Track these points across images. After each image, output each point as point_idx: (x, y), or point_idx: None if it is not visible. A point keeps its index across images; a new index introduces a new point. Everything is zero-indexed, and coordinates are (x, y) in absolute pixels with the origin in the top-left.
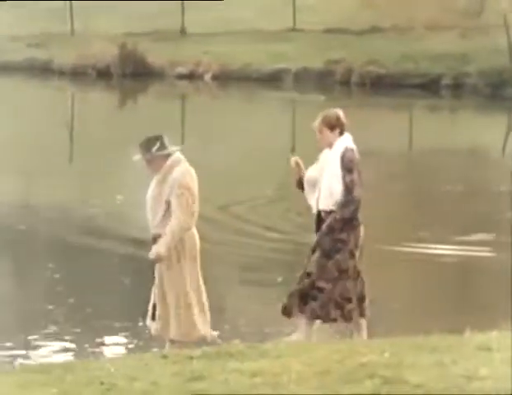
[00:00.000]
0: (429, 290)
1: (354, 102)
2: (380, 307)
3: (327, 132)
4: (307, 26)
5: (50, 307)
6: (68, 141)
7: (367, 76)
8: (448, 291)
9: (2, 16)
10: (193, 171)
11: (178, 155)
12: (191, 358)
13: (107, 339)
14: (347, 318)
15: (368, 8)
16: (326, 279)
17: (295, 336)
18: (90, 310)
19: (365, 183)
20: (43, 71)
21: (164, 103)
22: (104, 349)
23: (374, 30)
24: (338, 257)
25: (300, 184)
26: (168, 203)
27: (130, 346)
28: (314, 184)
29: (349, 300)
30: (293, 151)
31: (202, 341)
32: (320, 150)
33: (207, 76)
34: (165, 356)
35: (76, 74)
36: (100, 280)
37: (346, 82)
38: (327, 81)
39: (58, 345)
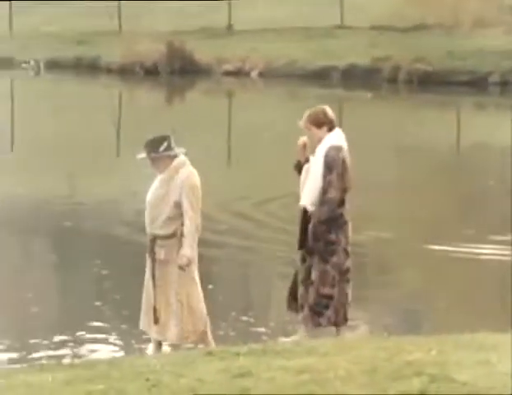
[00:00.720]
0: (475, 288)
1: (401, 99)
2: (427, 305)
3: (314, 129)
4: (354, 23)
5: (97, 303)
6: (115, 137)
7: (414, 74)
8: (494, 290)
9: (51, 13)
10: (196, 173)
11: (182, 157)
12: (237, 355)
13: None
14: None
15: (414, 5)
16: (330, 284)
17: (297, 336)
18: (137, 306)
19: (411, 180)
20: (90, 68)
21: (211, 100)
22: (151, 345)
23: (421, 27)
24: (335, 259)
25: (299, 167)
26: (177, 204)
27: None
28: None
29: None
30: None
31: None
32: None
33: (254, 73)
34: (210, 353)
35: (124, 72)
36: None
37: (393, 80)
38: (374, 79)
39: (104, 341)
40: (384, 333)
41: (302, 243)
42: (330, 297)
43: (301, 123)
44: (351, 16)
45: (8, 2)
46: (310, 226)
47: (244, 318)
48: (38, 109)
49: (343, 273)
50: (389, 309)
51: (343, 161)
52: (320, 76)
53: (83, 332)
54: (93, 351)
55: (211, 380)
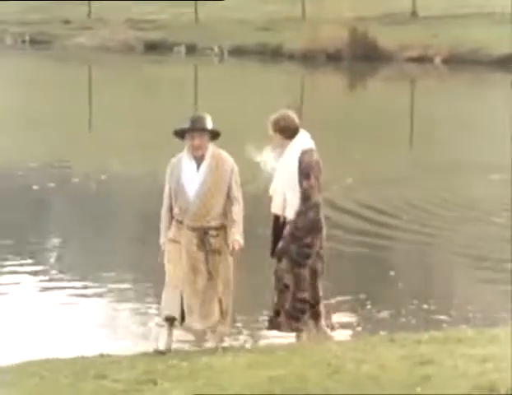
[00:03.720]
0: None
1: None
2: None
3: (279, 135)
4: None
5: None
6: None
7: None
8: None
9: (235, 0)
10: None
11: None
12: (418, 342)
13: (335, 321)
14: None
15: None
16: (303, 289)
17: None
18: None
19: None
20: (274, 55)
21: (393, 86)
22: (331, 331)
23: None
24: (309, 262)
25: None
26: (228, 191)
27: (358, 328)
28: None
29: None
30: None
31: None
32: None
33: (437, 60)
34: (392, 340)
35: (307, 58)
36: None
37: None
38: None
39: None
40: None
41: (274, 250)
42: (304, 301)
43: (269, 131)
44: None
45: None
46: (288, 230)
47: (425, 306)
48: (220, 95)
49: (313, 274)
50: None
51: (317, 163)
52: (507, 63)
53: (265, 317)
54: (273, 337)
55: (392, 367)
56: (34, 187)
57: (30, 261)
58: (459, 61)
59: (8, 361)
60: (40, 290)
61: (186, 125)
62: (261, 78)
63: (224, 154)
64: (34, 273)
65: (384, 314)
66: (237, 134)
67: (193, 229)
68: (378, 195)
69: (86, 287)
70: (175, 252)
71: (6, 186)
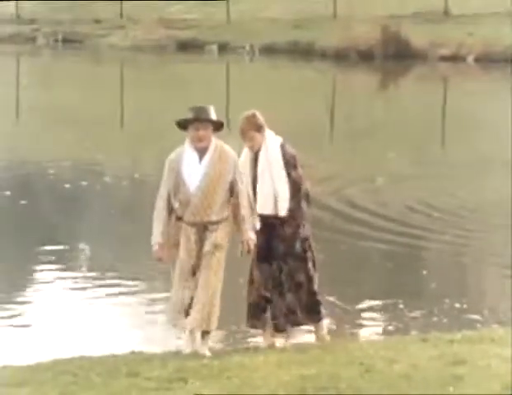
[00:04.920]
0: None
1: None
2: None
3: (256, 134)
4: None
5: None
6: (329, 123)
7: None
8: None
9: None
10: None
11: None
12: (451, 342)
13: (367, 321)
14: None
15: None
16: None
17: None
18: (352, 291)
19: None
20: (305, 53)
21: (425, 85)
22: (363, 330)
23: None
24: (311, 254)
25: None
26: (230, 185)
27: (389, 327)
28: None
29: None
30: None
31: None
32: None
33: (470, 59)
34: (425, 339)
35: (339, 56)
36: (363, 260)
37: None
38: None
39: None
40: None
41: (271, 254)
42: (316, 293)
43: (247, 134)
44: None
45: None
46: (286, 230)
47: (458, 306)
48: (252, 94)
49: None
50: None
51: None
52: None
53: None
54: (303, 335)
55: (424, 366)
56: (67, 185)
57: (62, 259)
58: (492, 59)
59: (41, 359)
60: (72, 289)
61: (190, 116)
62: (292, 77)
63: (226, 146)
64: (67, 271)
65: (416, 314)
66: None
67: (193, 224)
68: (409, 194)
69: (118, 285)
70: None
71: (38, 185)
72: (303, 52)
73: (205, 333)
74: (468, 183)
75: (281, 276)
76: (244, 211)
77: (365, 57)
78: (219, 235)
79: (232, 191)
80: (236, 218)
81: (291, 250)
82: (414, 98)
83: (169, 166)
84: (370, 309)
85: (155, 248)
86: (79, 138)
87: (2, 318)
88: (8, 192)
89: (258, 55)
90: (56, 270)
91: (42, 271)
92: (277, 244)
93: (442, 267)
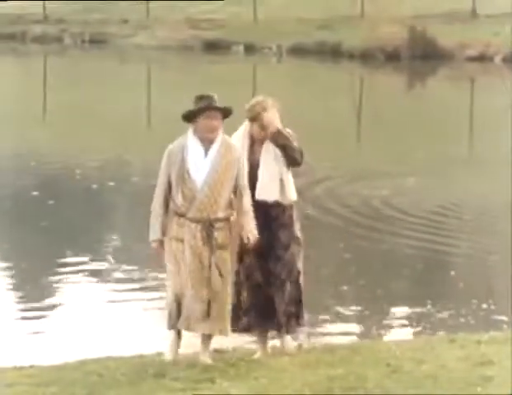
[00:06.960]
0: None
1: None
2: None
3: (253, 123)
4: None
5: (343, 288)
6: (356, 123)
7: None
8: None
9: None
10: None
11: None
12: (478, 342)
13: (394, 321)
14: None
15: None
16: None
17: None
18: (380, 292)
19: None
20: (332, 53)
21: (452, 86)
22: (391, 331)
23: None
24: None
25: None
26: (236, 178)
27: (417, 328)
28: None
29: None
30: None
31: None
32: None
33: (497, 59)
34: (452, 340)
35: (365, 56)
36: (390, 262)
37: None
38: None
39: (344, 325)
40: None
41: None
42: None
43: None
44: None
45: None
46: (286, 215)
47: (485, 306)
48: (279, 94)
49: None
50: None
51: None
52: None
53: (326, 316)
54: (331, 335)
55: (452, 367)
56: (94, 186)
57: (89, 260)
58: None
59: (67, 359)
60: (99, 289)
61: (201, 104)
62: (320, 77)
63: (229, 139)
64: (94, 272)
65: (444, 314)
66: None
67: (198, 221)
68: (438, 194)
69: (144, 287)
70: (179, 252)
71: (65, 186)
72: (330, 52)
73: (206, 338)
74: (497, 183)
75: (278, 267)
76: (246, 206)
77: (392, 57)
78: (224, 235)
79: (235, 185)
80: (238, 212)
81: (293, 234)
82: (441, 98)
83: (169, 159)
84: (398, 310)
85: (154, 245)
86: (106, 138)
87: (30, 318)
88: (36, 193)
89: (285, 55)
90: (83, 271)
91: (70, 272)
92: (281, 233)
93: (470, 267)
